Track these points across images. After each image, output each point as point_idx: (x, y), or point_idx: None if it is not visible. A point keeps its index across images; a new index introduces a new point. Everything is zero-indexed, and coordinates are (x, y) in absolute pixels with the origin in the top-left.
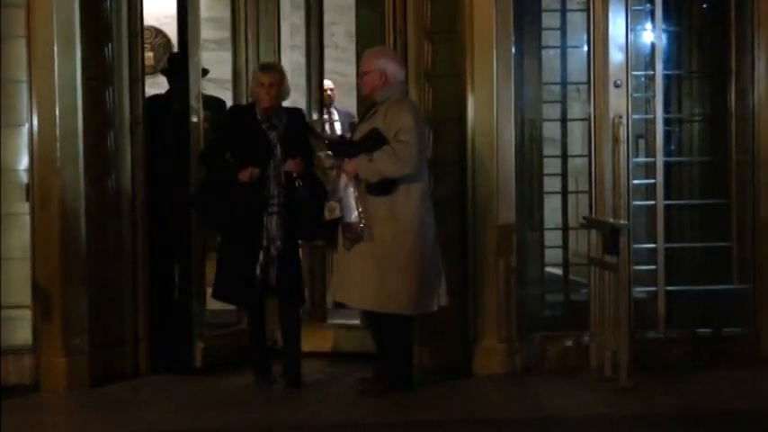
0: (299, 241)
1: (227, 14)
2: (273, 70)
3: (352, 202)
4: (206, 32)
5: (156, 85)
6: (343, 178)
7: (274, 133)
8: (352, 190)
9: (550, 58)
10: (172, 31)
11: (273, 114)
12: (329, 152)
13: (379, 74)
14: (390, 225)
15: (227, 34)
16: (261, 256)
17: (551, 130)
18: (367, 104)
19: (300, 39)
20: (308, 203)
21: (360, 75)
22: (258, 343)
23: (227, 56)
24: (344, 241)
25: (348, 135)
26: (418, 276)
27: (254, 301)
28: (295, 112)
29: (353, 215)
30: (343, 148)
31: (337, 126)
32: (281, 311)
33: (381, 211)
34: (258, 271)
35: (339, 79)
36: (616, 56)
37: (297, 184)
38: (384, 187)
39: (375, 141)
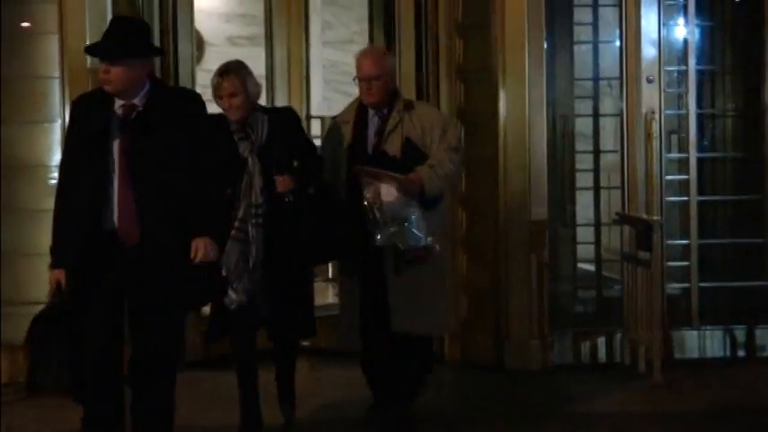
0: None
1: (258, 11)
2: (232, 74)
3: (422, 222)
4: (238, 29)
5: None
6: (392, 196)
7: (246, 144)
8: (414, 209)
9: (582, 53)
10: (203, 25)
11: (246, 123)
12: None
13: (391, 76)
14: (443, 238)
15: (258, 30)
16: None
17: (583, 125)
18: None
19: (332, 35)
20: (307, 218)
21: (366, 80)
22: (250, 387)
23: (258, 51)
24: (403, 266)
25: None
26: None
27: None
28: (283, 112)
29: (426, 236)
30: (388, 166)
31: None
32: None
33: (434, 223)
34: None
35: None
36: (648, 51)
37: (286, 200)
38: (438, 199)
39: (415, 154)
